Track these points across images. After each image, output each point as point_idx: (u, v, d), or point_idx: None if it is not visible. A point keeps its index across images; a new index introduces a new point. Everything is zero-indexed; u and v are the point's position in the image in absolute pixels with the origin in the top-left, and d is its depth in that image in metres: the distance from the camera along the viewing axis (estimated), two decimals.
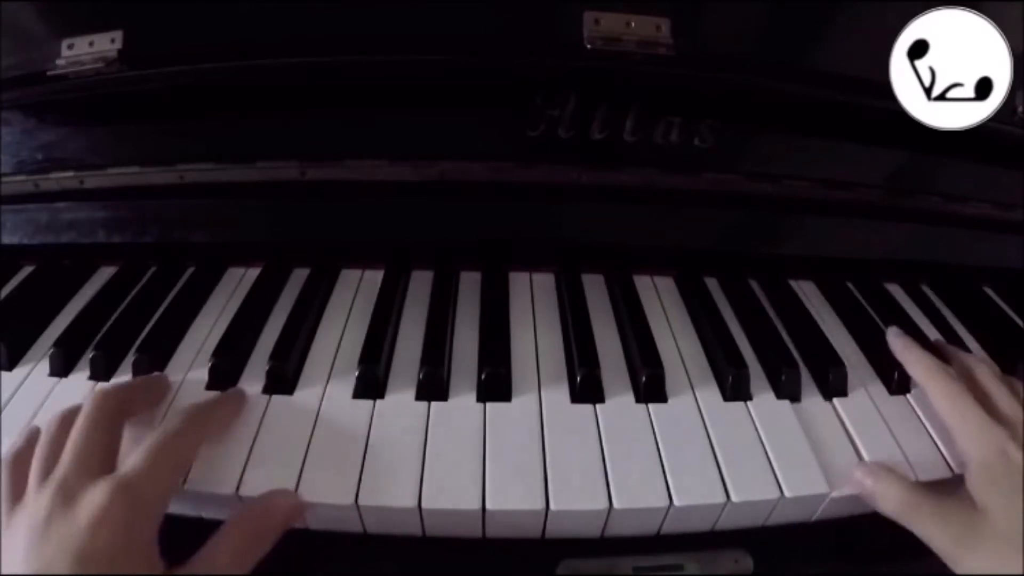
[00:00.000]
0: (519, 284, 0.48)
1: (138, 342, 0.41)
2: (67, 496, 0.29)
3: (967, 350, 0.45)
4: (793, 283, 0.50)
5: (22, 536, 0.28)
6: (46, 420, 0.33)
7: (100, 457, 0.31)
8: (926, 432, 0.38)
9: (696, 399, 0.39)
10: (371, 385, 0.38)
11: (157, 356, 0.40)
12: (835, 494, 0.34)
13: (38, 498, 0.29)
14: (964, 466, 0.35)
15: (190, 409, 0.34)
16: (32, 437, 0.33)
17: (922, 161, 0.49)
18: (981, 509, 0.32)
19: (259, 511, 0.32)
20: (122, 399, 0.34)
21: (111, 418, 0.32)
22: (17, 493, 0.31)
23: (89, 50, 0.44)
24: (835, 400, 0.40)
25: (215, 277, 0.48)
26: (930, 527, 0.33)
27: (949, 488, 0.35)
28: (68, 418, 0.33)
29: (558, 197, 0.47)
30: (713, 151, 0.46)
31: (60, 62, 0.44)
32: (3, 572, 0.28)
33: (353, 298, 0.46)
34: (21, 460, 0.32)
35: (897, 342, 0.42)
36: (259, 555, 0.31)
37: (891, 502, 0.34)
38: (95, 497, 0.28)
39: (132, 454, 0.30)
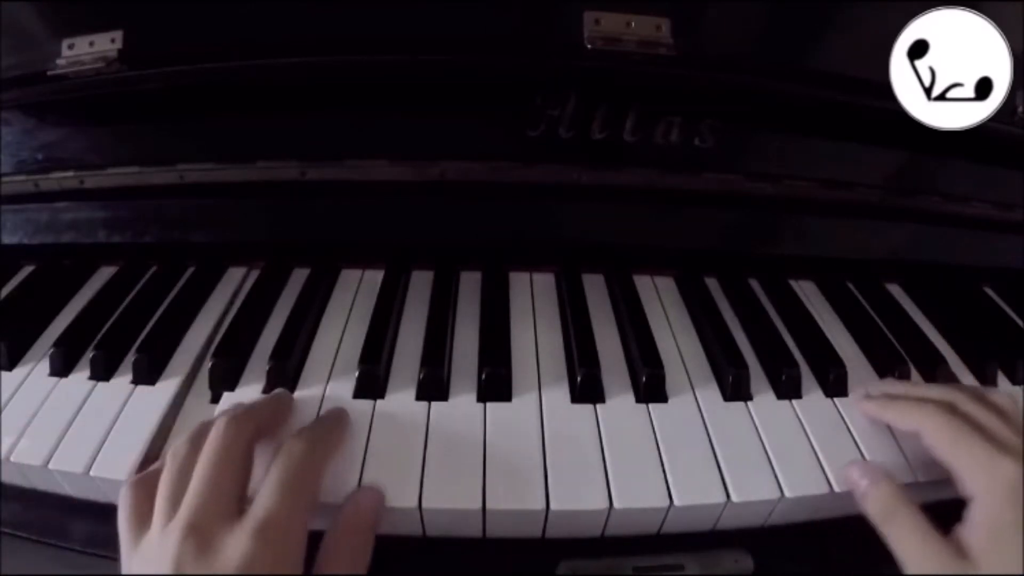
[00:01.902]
0: (519, 284, 0.48)
1: (138, 342, 0.41)
2: (202, 542, 0.27)
3: (967, 350, 0.45)
4: (793, 283, 0.50)
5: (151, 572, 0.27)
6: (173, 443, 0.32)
7: (232, 494, 0.29)
8: None
9: (696, 399, 0.39)
10: (371, 385, 0.38)
11: (157, 356, 0.40)
12: (836, 489, 0.34)
13: (166, 537, 0.27)
14: (969, 504, 0.31)
15: (310, 432, 0.32)
16: (145, 481, 0.31)
17: (922, 161, 0.49)
18: (973, 560, 0.29)
19: (359, 509, 0.31)
20: (252, 426, 0.31)
21: (242, 448, 0.30)
22: (142, 515, 0.29)
23: (89, 50, 0.44)
24: (835, 400, 0.40)
25: (215, 277, 0.48)
26: (907, 547, 0.31)
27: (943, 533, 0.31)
28: (197, 441, 0.30)
29: (558, 197, 0.47)
30: (713, 151, 0.46)
31: (60, 62, 0.44)
32: None
33: (353, 298, 0.46)
34: (145, 486, 0.31)
35: (869, 406, 0.38)
36: (370, 552, 0.30)
37: (876, 503, 0.32)
38: (239, 546, 0.26)
39: (262, 489, 0.29)
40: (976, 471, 0.32)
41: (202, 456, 0.30)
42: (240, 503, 0.29)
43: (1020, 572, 0.28)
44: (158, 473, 0.31)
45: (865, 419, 0.38)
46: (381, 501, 0.32)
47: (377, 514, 0.32)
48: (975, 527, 0.30)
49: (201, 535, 0.27)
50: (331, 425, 0.34)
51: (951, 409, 0.34)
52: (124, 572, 0.29)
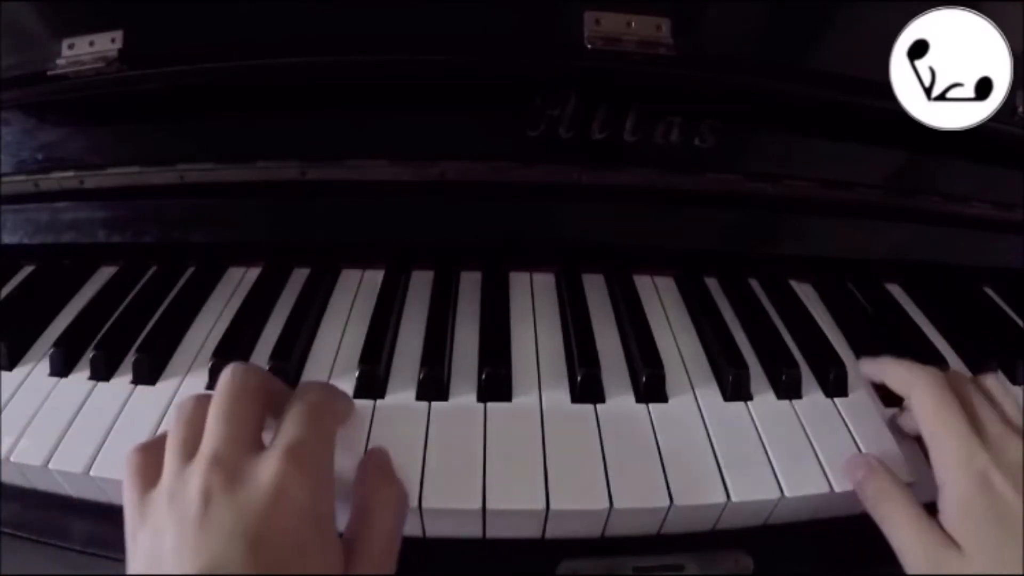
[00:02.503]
0: (519, 284, 0.48)
1: (138, 342, 0.41)
2: (229, 472, 0.25)
3: (967, 350, 0.45)
4: (793, 283, 0.50)
5: (171, 528, 0.24)
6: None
7: (253, 428, 0.27)
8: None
9: (696, 399, 0.39)
10: (371, 385, 0.38)
11: (157, 356, 0.40)
12: (836, 489, 0.34)
13: (185, 478, 0.25)
14: (939, 491, 0.32)
15: (320, 384, 0.32)
16: (152, 446, 0.29)
17: (922, 161, 0.49)
18: (961, 547, 0.29)
19: (372, 458, 0.31)
20: (261, 375, 0.30)
21: (256, 391, 0.29)
22: (151, 476, 0.27)
23: (89, 50, 0.44)
24: (835, 400, 0.40)
25: (215, 277, 0.48)
26: (900, 534, 0.31)
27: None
28: (203, 399, 0.29)
29: (558, 197, 0.47)
30: (713, 151, 0.46)
31: (60, 62, 0.44)
32: (144, 573, 0.24)
33: (353, 298, 0.46)
34: (153, 448, 0.28)
35: (869, 365, 0.39)
36: (402, 530, 0.29)
37: (871, 491, 0.33)
38: (269, 468, 0.24)
39: (284, 423, 0.27)
40: (949, 448, 0.32)
41: (216, 396, 0.28)
42: (260, 444, 0.27)
43: (1004, 560, 0.28)
44: (161, 441, 0.29)
45: (864, 397, 0.39)
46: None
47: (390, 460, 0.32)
48: (953, 518, 0.30)
49: (227, 466, 0.25)
50: (338, 389, 0.34)
51: (944, 382, 0.34)
52: (131, 540, 0.26)
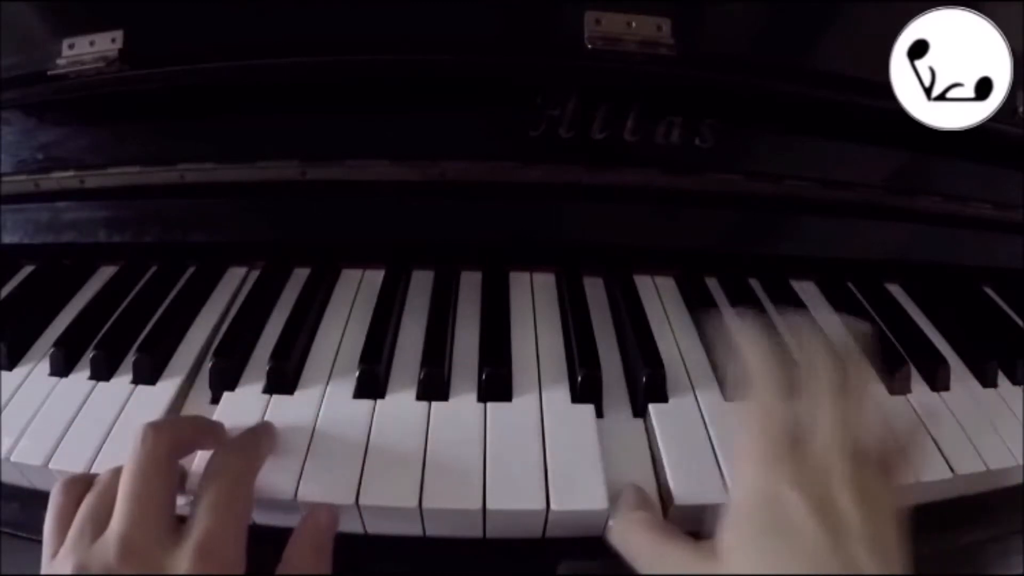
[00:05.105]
0: (519, 284, 0.48)
1: (138, 342, 0.41)
2: (141, 561, 0.25)
3: (967, 350, 0.45)
4: (794, 283, 0.50)
5: None
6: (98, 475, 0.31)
7: (164, 506, 0.28)
8: (926, 432, 0.38)
9: (696, 399, 0.39)
10: (372, 385, 0.38)
11: (158, 356, 0.40)
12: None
13: (96, 556, 0.26)
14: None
15: (237, 442, 0.32)
16: (75, 486, 0.30)
17: (922, 161, 0.49)
18: (718, 556, 0.27)
19: (315, 524, 0.31)
20: (169, 436, 0.29)
21: (168, 460, 0.29)
22: (67, 527, 0.28)
23: (90, 49, 0.44)
24: None
25: (215, 277, 0.48)
26: (638, 550, 0.29)
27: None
28: (119, 473, 0.29)
29: (559, 197, 0.47)
30: (714, 151, 0.46)
31: (61, 62, 0.44)
32: None
33: (354, 298, 0.46)
34: (76, 488, 0.29)
35: (739, 323, 0.33)
36: (329, 566, 0.30)
37: (612, 535, 0.31)
38: (183, 567, 0.25)
39: (197, 510, 0.28)
40: (750, 461, 0.29)
41: (126, 469, 0.28)
42: (171, 522, 0.28)
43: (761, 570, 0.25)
44: (90, 477, 0.30)
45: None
46: (337, 521, 0.31)
47: (333, 532, 0.31)
48: (723, 526, 0.27)
49: (137, 556, 0.26)
50: (260, 433, 0.34)
51: (773, 392, 0.30)
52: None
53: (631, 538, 0.30)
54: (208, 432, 0.33)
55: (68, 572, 0.26)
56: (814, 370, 0.30)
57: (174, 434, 0.30)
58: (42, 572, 0.28)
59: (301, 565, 0.29)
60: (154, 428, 0.29)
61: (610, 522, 0.32)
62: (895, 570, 0.25)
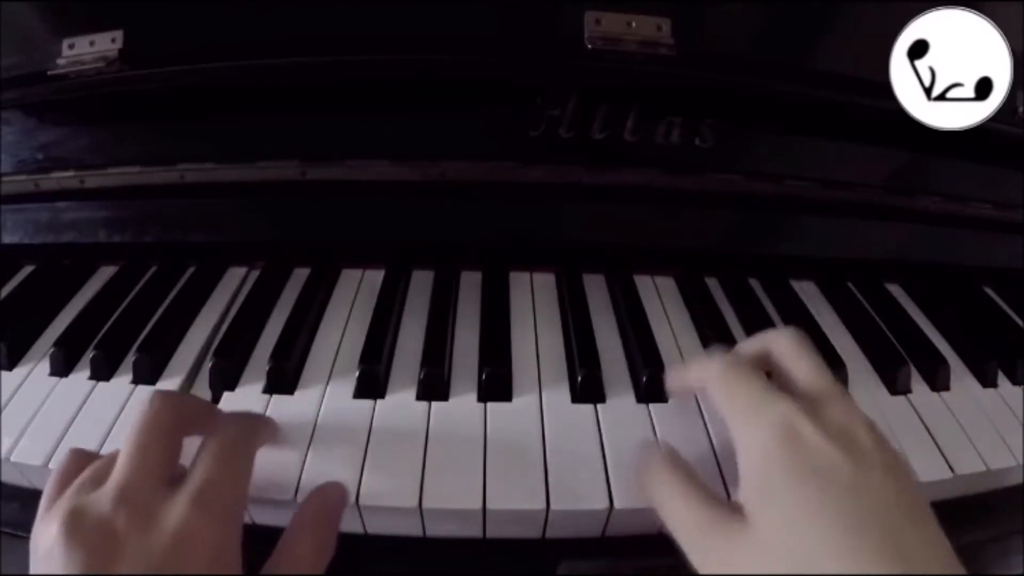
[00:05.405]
0: (519, 284, 0.48)
1: (139, 342, 0.41)
2: (136, 509, 0.25)
3: (967, 350, 0.45)
4: (794, 283, 0.50)
5: (66, 558, 0.24)
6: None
7: (165, 463, 0.27)
8: (927, 433, 0.38)
9: (697, 399, 0.39)
10: (372, 385, 0.38)
11: (158, 356, 0.40)
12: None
13: (92, 502, 0.25)
14: (739, 472, 0.28)
15: (242, 415, 0.32)
16: (83, 456, 0.30)
17: (922, 161, 0.49)
18: (747, 515, 0.26)
19: (324, 501, 0.30)
20: (177, 404, 0.30)
21: (171, 423, 0.29)
22: (70, 482, 0.28)
23: (90, 49, 0.44)
24: None
25: (215, 277, 0.48)
26: (673, 515, 0.28)
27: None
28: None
29: (559, 197, 0.47)
30: (714, 151, 0.46)
31: (61, 61, 0.44)
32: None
33: (354, 298, 0.46)
34: (68, 476, 0.29)
35: (673, 376, 0.37)
36: (333, 545, 0.29)
37: (644, 482, 0.30)
38: (177, 512, 0.25)
39: (197, 461, 0.28)
40: (742, 416, 0.29)
41: (130, 432, 0.28)
42: (170, 479, 0.27)
43: (798, 524, 0.25)
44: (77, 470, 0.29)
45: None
46: (346, 498, 0.31)
47: (342, 510, 0.31)
48: (747, 481, 0.27)
49: (135, 503, 0.25)
50: (260, 418, 0.34)
51: (735, 360, 0.31)
52: (35, 533, 0.27)
53: (667, 499, 0.29)
54: (213, 416, 0.32)
55: (62, 518, 0.25)
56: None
57: (181, 405, 0.30)
58: (36, 522, 0.27)
59: (302, 547, 0.28)
60: (162, 395, 0.29)
61: (641, 474, 0.31)
62: (910, 486, 0.26)
